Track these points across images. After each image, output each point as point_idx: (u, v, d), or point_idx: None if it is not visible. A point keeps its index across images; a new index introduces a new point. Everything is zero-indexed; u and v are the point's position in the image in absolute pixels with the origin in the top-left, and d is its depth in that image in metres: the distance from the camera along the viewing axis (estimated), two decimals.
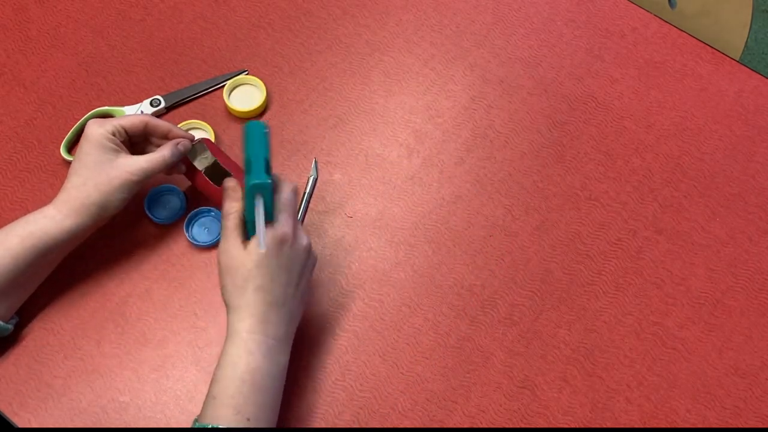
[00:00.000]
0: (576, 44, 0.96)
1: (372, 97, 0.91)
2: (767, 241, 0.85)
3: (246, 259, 0.65)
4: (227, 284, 0.66)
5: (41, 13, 0.93)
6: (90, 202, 0.70)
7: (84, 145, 0.71)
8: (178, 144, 0.74)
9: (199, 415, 0.64)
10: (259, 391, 0.64)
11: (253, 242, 0.65)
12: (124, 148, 0.73)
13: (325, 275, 0.80)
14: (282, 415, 0.73)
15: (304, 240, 0.68)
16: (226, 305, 0.66)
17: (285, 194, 0.68)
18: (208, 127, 0.86)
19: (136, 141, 0.75)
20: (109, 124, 0.72)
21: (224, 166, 0.76)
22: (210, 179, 0.75)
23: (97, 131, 0.71)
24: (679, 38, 0.97)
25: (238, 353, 0.64)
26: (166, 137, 0.75)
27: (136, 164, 0.71)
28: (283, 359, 0.67)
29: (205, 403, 0.64)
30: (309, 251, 0.69)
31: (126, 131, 0.72)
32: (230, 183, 0.70)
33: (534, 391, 0.76)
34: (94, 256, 0.79)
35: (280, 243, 0.65)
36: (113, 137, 0.71)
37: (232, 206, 0.68)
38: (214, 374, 0.64)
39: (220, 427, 0.61)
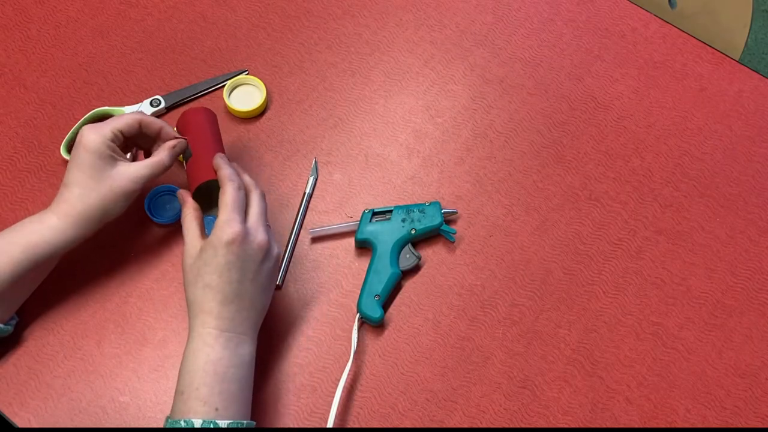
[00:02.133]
0: (576, 44, 0.96)
1: (372, 97, 0.91)
2: (767, 241, 0.85)
3: (197, 258, 0.67)
4: (184, 281, 0.68)
5: (41, 13, 0.93)
6: (92, 213, 0.70)
7: (82, 153, 0.70)
8: (174, 146, 0.74)
9: (170, 414, 0.64)
10: (224, 381, 0.64)
11: (203, 242, 0.68)
12: (122, 154, 0.73)
13: (325, 275, 0.80)
14: (282, 414, 0.73)
15: (258, 237, 0.67)
16: (187, 302, 0.68)
17: (228, 194, 0.68)
18: None
19: (130, 141, 0.75)
20: (107, 129, 0.70)
21: (191, 147, 0.75)
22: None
23: (95, 139, 0.70)
24: (679, 38, 0.97)
25: (197, 346, 0.65)
26: (158, 135, 0.74)
27: (137, 172, 0.71)
28: (246, 350, 0.67)
29: (173, 400, 0.64)
30: (265, 248, 0.68)
31: (123, 134, 0.72)
32: (179, 194, 0.73)
33: (534, 391, 0.76)
34: (94, 256, 0.79)
35: (228, 242, 0.65)
36: (111, 144, 0.71)
37: (187, 212, 0.71)
38: (179, 371, 0.65)
39: (193, 422, 0.61)
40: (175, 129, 0.77)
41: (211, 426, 0.61)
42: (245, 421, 0.64)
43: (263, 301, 0.69)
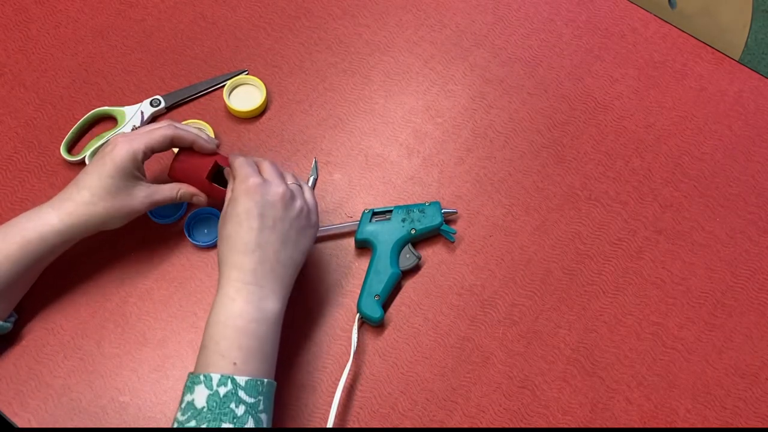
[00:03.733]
0: (576, 44, 0.96)
1: (372, 97, 0.91)
2: (767, 241, 0.85)
3: (221, 217, 0.69)
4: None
5: (41, 13, 0.93)
6: (94, 221, 0.70)
7: (108, 163, 0.70)
8: (194, 196, 0.75)
9: (194, 369, 0.64)
10: (244, 335, 0.64)
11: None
12: (144, 173, 0.74)
13: (325, 275, 0.80)
14: (281, 414, 0.73)
15: (276, 187, 0.68)
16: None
17: (237, 158, 0.70)
18: (208, 127, 0.86)
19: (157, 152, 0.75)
20: (140, 146, 0.71)
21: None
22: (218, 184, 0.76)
23: (125, 155, 0.70)
24: (679, 38, 0.97)
25: (221, 300, 0.65)
26: (191, 149, 0.75)
27: (150, 197, 0.72)
28: (270, 306, 0.66)
29: (198, 355, 0.65)
30: (285, 197, 0.68)
31: (154, 150, 0.72)
32: (237, 159, 0.72)
33: (534, 391, 0.76)
34: (94, 256, 0.79)
35: (246, 190, 0.67)
36: (139, 162, 0.71)
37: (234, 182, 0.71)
38: (204, 326, 0.66)
39: (212, 377, 0.61)
40: (205, 130, 0.78)
41: (228, 381, 0.61)
42: (266, 380, 0.64)
43: (289, 254, 0.68)
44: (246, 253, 0.66)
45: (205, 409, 0.60)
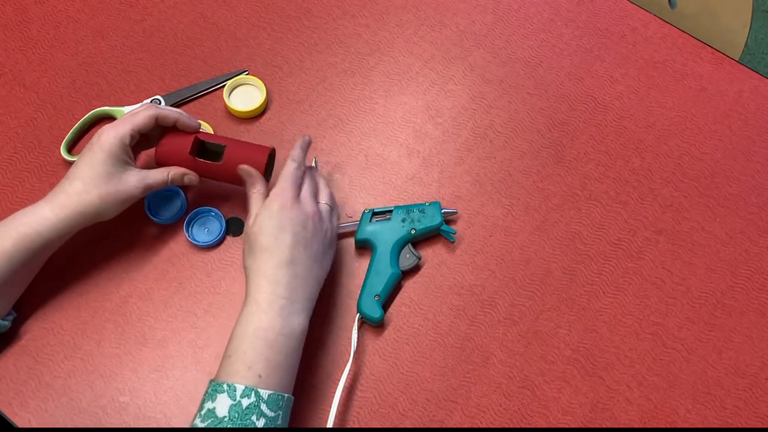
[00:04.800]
0: (576, 44, 0.96)
1: (372, 97, 0.91)
2: (767, 241, 0.85)
3: (253, 225, 0.69)
4: (244, 251, 0.70)
5: (41, 13, 0.93)
6: (89, 211, 0.71)
7: (98, 153, 0.70)
8: (186, 175, 0.76)
9: (215, 376, 0.65)
10: (271, 349, 0.64)
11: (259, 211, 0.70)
12: (133, 158, 0.74)
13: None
14: None
15: (307, 206, 0.70)
16: (245, 273, 0.70)
17: (287, 168, 0.72)
18: (208, 127, 0.86)
19: (144, 136, 0.76)
20: (126, 129, 0.71)
21: (214, 142, 0.77)
22: (206, 159, 0.77)
23: (113, 141, 0.71)
24: (679, 38, 0.97)
25: (251, 311, 0.66)
26: (174, 126, 0.75)
27: (142, 181, 0.73)
28: (299, 321, 0.67)
29: (221, 363, 0.65)
30: (313, 218, 0.71)
31: (140, 133, 0.73)
32: (245, 170, 0.74)
33: (534, 391, 0.76)
34: (94, 256, 0.79)
35: (280, 206, 0.68)
36: (127, 146, 0.72)
37: (256, 189, 0.73)
38: (230, 336, 0.66)
39: (236, 387, 0.61)
40: (187, 115, 0.78)
41: (252, 393, 0.61)
42: (286, 395, 0.64)
43: (318, 272, 0.71)
44: (281, 266, 0.67)
45: (226, 419, 0.60)
